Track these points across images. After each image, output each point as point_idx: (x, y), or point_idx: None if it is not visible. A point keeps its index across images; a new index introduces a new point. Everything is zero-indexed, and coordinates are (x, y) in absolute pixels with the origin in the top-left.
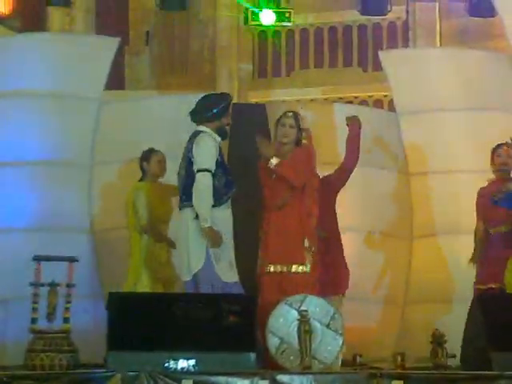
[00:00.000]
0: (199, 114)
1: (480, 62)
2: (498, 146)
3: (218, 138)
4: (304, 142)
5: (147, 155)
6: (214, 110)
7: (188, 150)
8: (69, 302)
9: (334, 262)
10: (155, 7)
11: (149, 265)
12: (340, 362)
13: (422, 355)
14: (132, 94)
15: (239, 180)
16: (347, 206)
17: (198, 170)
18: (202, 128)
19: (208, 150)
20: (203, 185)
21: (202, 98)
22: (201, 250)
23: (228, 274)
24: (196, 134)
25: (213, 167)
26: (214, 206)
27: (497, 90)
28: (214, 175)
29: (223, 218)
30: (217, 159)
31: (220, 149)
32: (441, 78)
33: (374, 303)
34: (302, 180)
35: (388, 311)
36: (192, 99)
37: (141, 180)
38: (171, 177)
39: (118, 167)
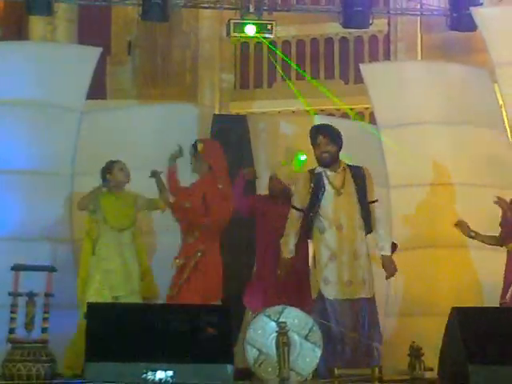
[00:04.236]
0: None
1: (461, 75)
2: None
3: None
4: None
5: (109, 166)
6: None
7: None
8: (47, 312)
9: None
10: (137, 17)
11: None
12: None
13: (400, 368)
14: (113, 103)
15: None
16: None
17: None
18: None
19: None
20: None
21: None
22: None
23: None
24: None
25: None
26: None
27: (477, 104)
28: None
29: None
30: None
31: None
32: (422, 91)
33: None
34: None
35: None
36: (174, 109)
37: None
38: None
39: (99, 177)
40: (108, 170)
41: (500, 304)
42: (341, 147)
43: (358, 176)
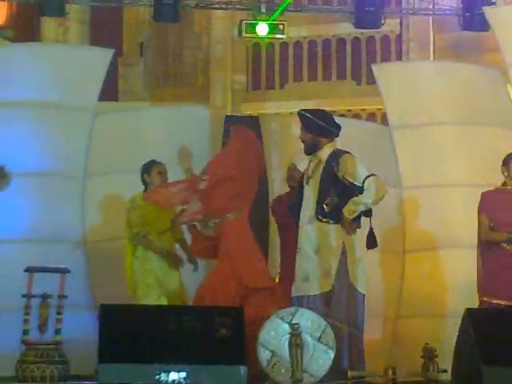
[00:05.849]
0: None
1: (473, 76)
2: None
3: None
4: None
5: (148, 167)
6: None
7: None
8: (60, 314)
9: None
10: (149, 19)
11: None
12: None
13: (414, 369)
14: (125, 105)
15: None
16: None
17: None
18: None
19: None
20: None
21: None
22: None
23: None
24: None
25: None
26: None
27: (489, 105)
28: None
29: None
30: None
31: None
32: (434, 91)
33: (366, 317)
34: None
35: (380, 325)
36: (185, 111)
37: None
38: None
39: (111, 179)
40: (147, 170)
41: None
42: (321, 134)
43: (332, 161)
